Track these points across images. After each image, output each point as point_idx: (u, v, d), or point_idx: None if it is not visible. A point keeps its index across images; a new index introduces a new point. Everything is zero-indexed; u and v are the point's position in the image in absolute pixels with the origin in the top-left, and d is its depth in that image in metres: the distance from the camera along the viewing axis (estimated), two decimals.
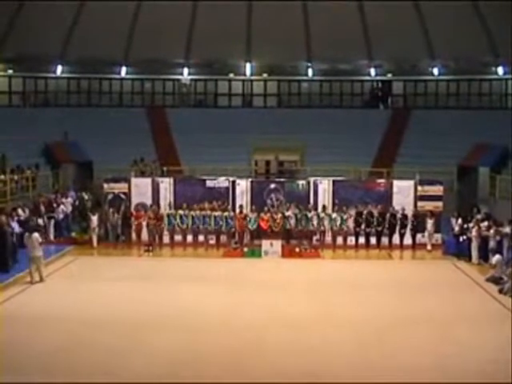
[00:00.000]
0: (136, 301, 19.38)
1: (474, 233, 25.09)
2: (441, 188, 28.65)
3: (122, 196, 28.66)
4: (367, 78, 45.76)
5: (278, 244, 26.10)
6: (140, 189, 28.82)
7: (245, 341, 15.95)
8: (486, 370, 14.08)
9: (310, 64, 44.58)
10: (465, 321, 17.64)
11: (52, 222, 28.67)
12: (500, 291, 20.28)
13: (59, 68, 43.94)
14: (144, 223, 27.71)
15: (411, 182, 28.81)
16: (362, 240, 27.85)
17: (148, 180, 29.71)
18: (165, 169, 36.93)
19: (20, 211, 26.80)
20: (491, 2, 37.13)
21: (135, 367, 14.19)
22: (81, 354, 14.94)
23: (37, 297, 19.84)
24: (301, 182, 29.59)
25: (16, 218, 25.70)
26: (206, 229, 27.52)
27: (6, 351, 14.83)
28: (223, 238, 27.84)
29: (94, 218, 27.85)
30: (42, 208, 28.51)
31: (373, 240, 27.83)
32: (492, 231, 24.50)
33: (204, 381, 13.62)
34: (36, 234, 21.81)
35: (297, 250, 26.68)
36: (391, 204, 28.15)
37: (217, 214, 27.50)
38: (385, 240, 27.79)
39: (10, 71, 44.33)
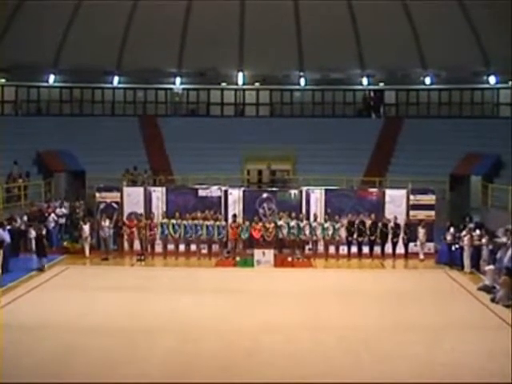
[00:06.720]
0: (129, 309, 19.35)
1: (466, 242, 25.10)
2: (433, 197, 28.67)
3: (115, 205, 28.61)
4: (359, 87, 45.76)
5: (270, 253, 26.04)
6: (132, 198, 28.76)
7: (237, 347, 16.04)
8: (477, 378, 14.06)
9: (302, 73, 44.58)
10: (457, 329, 17.63)
11: (44, 231, 28.50)
12: (492, 300, 20.28)
13: (52, 77, 43.75)
14: (136, 232, 27.68)
15: (403, 191, 28.84)
16: (354, 249, 27.82)
17: (140, 189, 29.64)
18: (157, 177, 36.93)
19: (17, 221, 26.88)
20: (483, 11, 37.25)
21: (129, 373, 14.19)
22: (74, 361, 14.95)
23: (28, 306, 19.71)
24: (293, 192, 29.54)
25: (8, 228, 25.62)
26: (199, 238, 27.49)
27: None
28: (215, 247, 27.82)
29: (86, 227, 27.77)
30: (34, 217, 28.43)
31: (365, 249, 27.81)
32: (484, 240, 24.53)
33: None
34: None
35: (289, 259, 26.67)
36: (383, 213, 28.19)
37: (209, 223, 27.46)
38: (377, 249, 27.77)
39: (3, 80, 44.05)
